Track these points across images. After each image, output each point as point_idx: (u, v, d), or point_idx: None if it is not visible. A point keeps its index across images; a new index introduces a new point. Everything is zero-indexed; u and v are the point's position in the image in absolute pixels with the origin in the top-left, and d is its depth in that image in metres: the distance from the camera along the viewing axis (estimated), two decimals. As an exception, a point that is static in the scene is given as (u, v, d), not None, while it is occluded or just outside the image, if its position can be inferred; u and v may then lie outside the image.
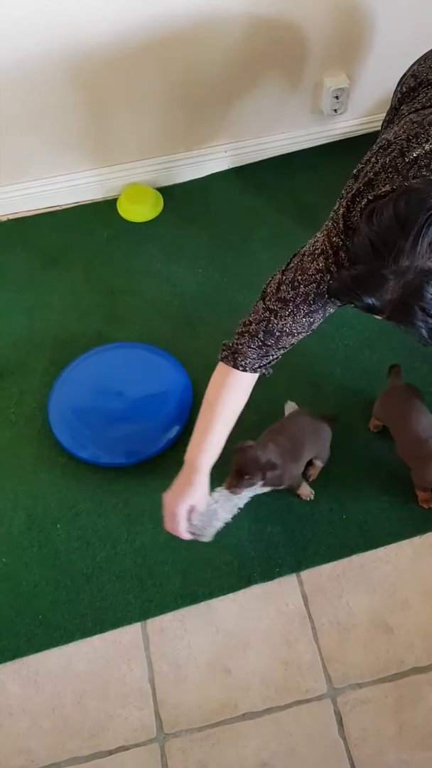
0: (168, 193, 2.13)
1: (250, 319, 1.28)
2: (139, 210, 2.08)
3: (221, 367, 1.32)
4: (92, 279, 1.95)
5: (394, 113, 1.43)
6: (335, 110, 2.09)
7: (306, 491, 1.58)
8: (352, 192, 1.18)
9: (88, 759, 1.35)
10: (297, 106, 2.08)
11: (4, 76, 1.74)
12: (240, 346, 1.28)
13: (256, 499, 1.58)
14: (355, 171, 1.23)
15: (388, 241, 0.97)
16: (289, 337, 1.27)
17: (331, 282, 1.19)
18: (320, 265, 1.20)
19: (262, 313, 1.25)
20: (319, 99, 2.07)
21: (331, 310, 1.25)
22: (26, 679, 1.43)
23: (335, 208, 1.22)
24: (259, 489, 1.45)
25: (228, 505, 1.40)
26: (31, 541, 1.56)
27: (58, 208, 2.12)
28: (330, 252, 1.19)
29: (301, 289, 1.21)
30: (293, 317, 1.23)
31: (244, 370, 1.29)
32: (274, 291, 1.24)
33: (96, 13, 1.66)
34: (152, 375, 1.74)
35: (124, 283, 1.94)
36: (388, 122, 1.47)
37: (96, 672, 1.43)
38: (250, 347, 1.27)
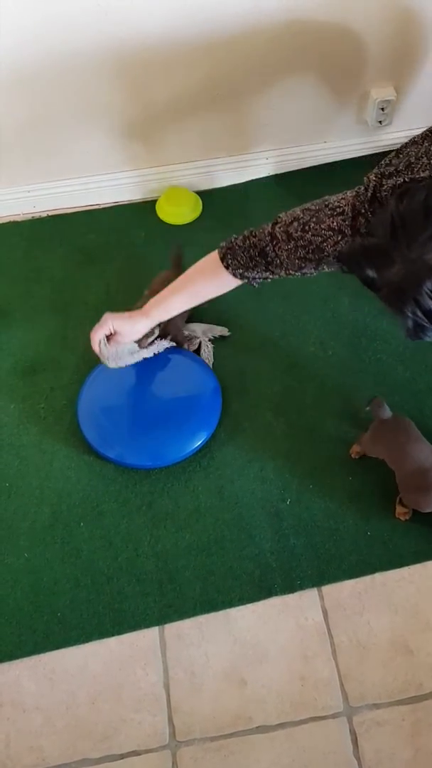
0: (207, 197, 2.13)
1: (255, 233, 1.32)
2: (178, 212, 2.08)
3: (214, 255, 1.39)
4: (127, 278, 1.95)
5: None
6: (380, 122, 2.07)
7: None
8: (391, 168, 1.21)
9: (98, 761, 1.35)
10: (341, 116, 2.07)
11: (54, 71, 1.74)
12: (236, 248, 1.34)
13: (280, 511, 1.57)
14: (400, 147, 1.25)
15: (408, 226, 0.98)
16: (279, 268, 1.32)
17: (342, 245, 1.22)
18: (334, 224, 1.23)
19: (266, 236, 1.30)
20: (364, 110, 2.06)
21: (327, 269, 1.29)
22: (42, 676, 1.43)
23: (369, 175, 1.24)
24: (158, 348, 1.65)
25: (133, 356, 1.60)
26: (54, 537, 1.56)
27: (97, 206, 2.13)
28: (349, 215, 1.22)
29: (307, 236, 1.25)
30: (289, 254, 1.28)
31: (227, 268, 1.36)
32: (286, 222, 1.28)
33: (146, 13, 1.66)
34: (182, 378, 1.73)
35: (159, 284, 1.94)
36: None
37: (111, 674, 1.43)
38: (243, 254, 1.33)
